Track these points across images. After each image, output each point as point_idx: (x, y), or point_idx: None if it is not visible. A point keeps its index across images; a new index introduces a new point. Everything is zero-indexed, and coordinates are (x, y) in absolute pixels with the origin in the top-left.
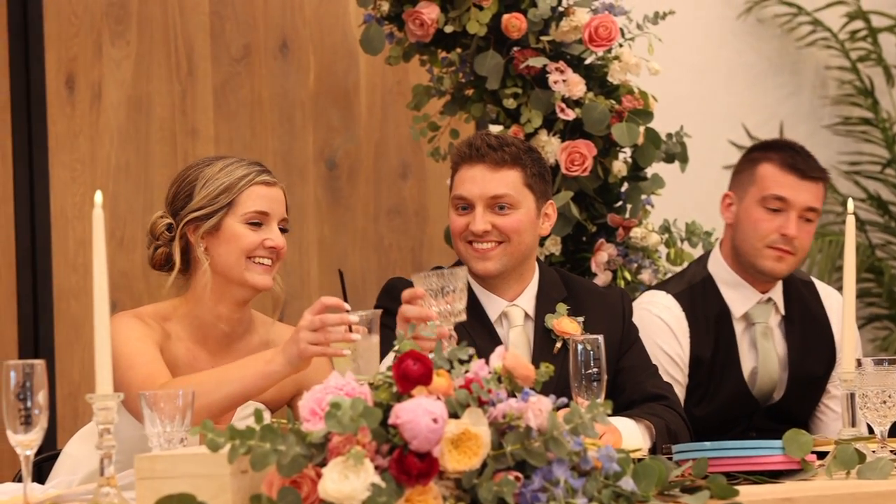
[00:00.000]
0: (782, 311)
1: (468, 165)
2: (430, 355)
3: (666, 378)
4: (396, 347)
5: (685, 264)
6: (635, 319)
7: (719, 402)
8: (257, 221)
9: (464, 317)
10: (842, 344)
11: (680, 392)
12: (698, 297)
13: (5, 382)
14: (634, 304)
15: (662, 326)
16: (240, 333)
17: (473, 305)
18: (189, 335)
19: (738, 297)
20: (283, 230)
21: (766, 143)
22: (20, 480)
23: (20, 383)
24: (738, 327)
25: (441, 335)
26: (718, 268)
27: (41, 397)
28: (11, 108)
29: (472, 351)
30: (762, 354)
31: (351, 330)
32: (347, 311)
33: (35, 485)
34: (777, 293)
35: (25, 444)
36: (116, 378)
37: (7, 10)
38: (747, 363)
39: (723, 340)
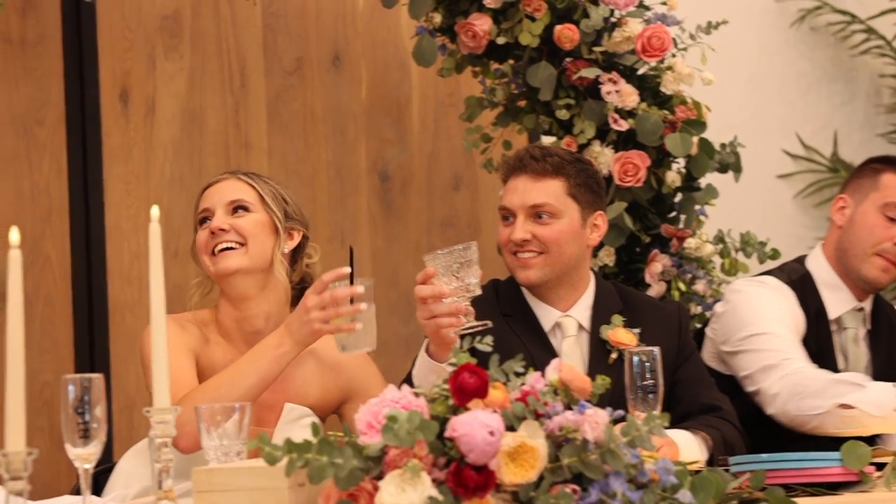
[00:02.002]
0: (869, 324)
1: (513, 177)
2: (451, 331)
3: (783, 336)
4: (453, 359)
5: (739, 275)
6: (743, 294)
7: None
8: (203, 218)
9: (478, 291)
10: None
11: (799, 348)
12: (798, 291)
13: (64, 396)
14: (738, 282)
15: (780, 298)
16: (271, 331)
17: (527, 315)
18: (224, 339)
19: (835, 299)
20: (242, 209)
21: (890, 157)
22: (77, 493)
23: (78, 397)
24: (831, 328)
25: (457, 311)
26: (819, 268)
27: (99, 411)
28: (66, 121)
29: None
30: (852, 360)
31: (352, 302)
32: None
33: (94, 497)
34: (868, 305)
35: (84, 457)
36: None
37: (62, 25)
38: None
39: (821, 337)
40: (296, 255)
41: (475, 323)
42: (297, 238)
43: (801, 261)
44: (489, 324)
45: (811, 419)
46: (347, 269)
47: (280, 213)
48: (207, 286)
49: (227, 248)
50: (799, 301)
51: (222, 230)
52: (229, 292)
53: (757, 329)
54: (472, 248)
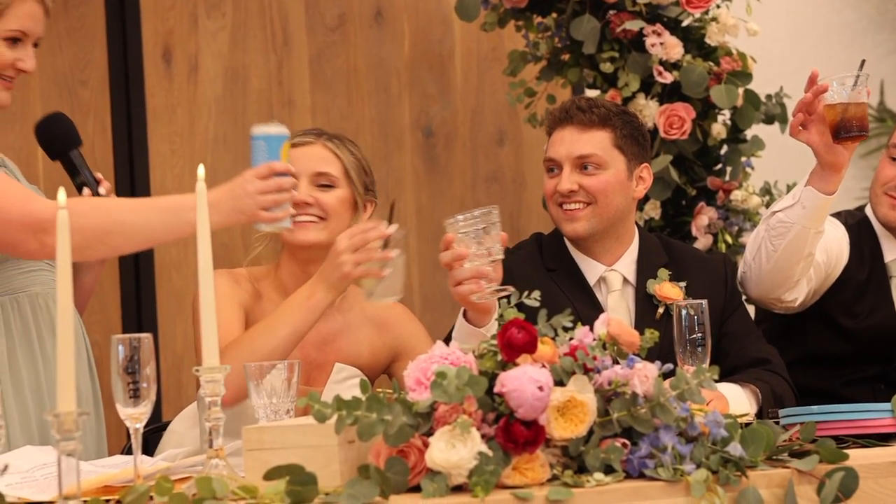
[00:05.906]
0: None
1: (560, 128)
2: (475, 297)
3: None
4: (499, 313)
5: None
6: None
7: (871, 322)
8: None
9: (501, 255)
10: None
11: (813, 277)
12: (853, 233)
13: (114, 356)
14: None
15: (828, 227)
16: None
17: (572, 270)
18: (279, 296)
19: (890, 246)
20: (327, 186)
21: None
22: (128, 452)
23: (128, 357)
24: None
25: (481, 274)
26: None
27: (149, 371)
28: (110, 82)
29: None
30: None
31: (384, 247)
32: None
33: (144, 457)
34: None
35: (135, 417)
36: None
37: None
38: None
39: (875, 276)
40: None
41: (497, 287)
42: (370, 211)
43: (861, 209)
44: (510, 289)
45: (759, 256)
46: (391, 228)
47: (361, 188)
48: (274, 241)
49: (308, 221)
50: (852, 243)
51: (307, 203)
52: (299, 255)
53: None
54: (494, 213)
